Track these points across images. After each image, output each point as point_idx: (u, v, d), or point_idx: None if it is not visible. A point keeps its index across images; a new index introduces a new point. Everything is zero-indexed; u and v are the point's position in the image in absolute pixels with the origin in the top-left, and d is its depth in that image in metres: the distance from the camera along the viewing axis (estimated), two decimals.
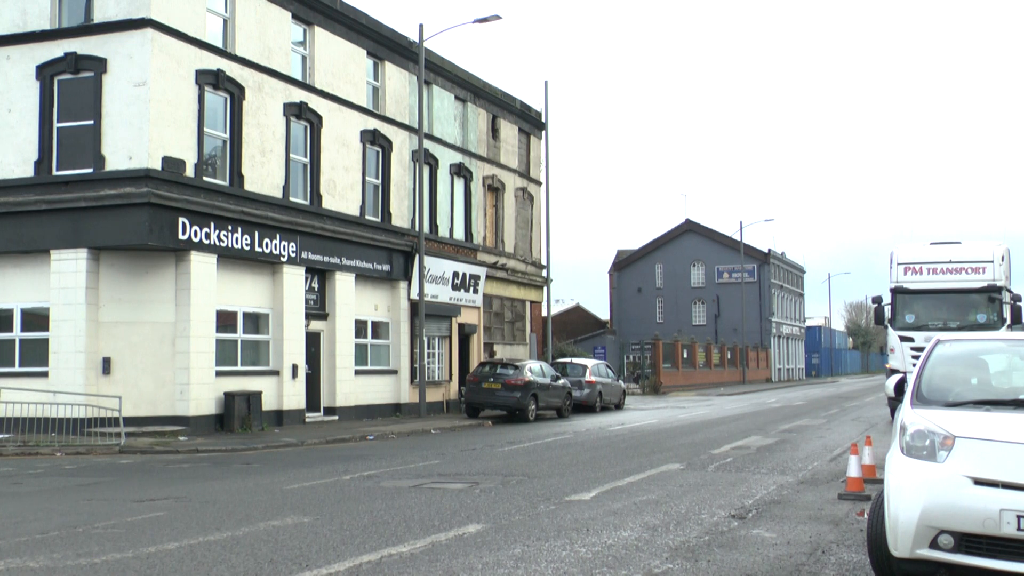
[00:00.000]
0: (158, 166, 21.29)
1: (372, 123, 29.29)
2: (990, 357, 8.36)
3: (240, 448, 19.36)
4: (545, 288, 39.99)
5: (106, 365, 21.64)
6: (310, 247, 26.08)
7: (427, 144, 31.31)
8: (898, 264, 26.17)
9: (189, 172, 22.18)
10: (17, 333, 22.40)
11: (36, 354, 21.92)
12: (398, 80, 30.77)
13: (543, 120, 40.72)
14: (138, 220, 21.03)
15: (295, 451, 19.36)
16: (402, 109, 30.92)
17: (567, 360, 37.77)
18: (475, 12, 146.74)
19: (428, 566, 7.94)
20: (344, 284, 27.71)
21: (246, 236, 23.77)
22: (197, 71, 22.52)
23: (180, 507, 11.35)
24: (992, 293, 25.37)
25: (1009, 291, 26.30)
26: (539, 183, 41.39)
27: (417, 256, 29.70)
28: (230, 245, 23.26)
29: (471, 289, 34.17)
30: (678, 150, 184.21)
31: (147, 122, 21.12)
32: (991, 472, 6.31)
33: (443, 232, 33.26)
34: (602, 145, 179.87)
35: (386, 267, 29.67)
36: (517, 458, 17.19)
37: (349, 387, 27.60)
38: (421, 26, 29.25)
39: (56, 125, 22.02)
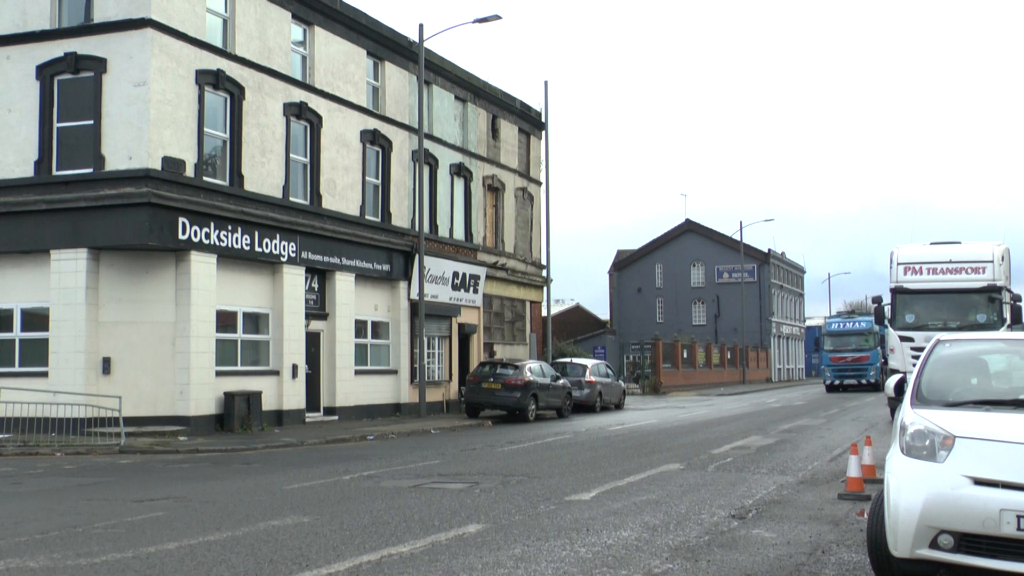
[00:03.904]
0: (158, 166, 21.30)
1: (372, 123, 29.29)
2: (990, 357, 8.36)
3: (240, 448, 19.37)
4: (545, 288, 39.99)
5: (106, 365, 21.64)
6: (310, 247, 26.09)
7: (427, 144, 31.31)
8: (898, 264, 26.14)
9: (189, 172, 22.18)
10: (17, 333, 22.41)
11: (36, 354, 21.92)
12: (398, 80, 30.77)
13: (543, 120, 40.73)
14: (138, 220, 21.04)
15: (295, 451, 19.37)
16: (402, 109, 30.93)
17: (567, 360, 37.77)
18: (475, 12, 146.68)
19: (428, 566, 7.95)
20: (344, 284, 27.72)
21: (246, 236, 23.78)
22: (197, 71, 22.52)
23: (180, 507, 11.35)
24: (992, 293, 25.35)
25: (1009, 291, 26.27)
26: (539, 183, 41.40)
27: (417, 256, 29.70)
28: (230, 245, 23.26)
29: (471, 289, 34.17)
30: (678, 150, 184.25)
31: (147, 122, 21.13)
32: (991, 472, 6.32)
33: (443, 232, 33.27)
34: (602, 145, 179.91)
35: (386, 267, 29.67)
36: (517, 458, 17.19)
37: (349, 387, 27.60)
38: (421, 26, 29.28)
39: (56, 125, 22.03)
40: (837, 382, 51.93)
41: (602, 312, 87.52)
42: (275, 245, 24.77)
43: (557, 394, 30.80)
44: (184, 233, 21.86)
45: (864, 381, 51.37)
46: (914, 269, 25.94)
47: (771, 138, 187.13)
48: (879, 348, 50.14)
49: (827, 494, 12.23)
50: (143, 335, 21.98)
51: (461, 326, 34.15)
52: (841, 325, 54.14)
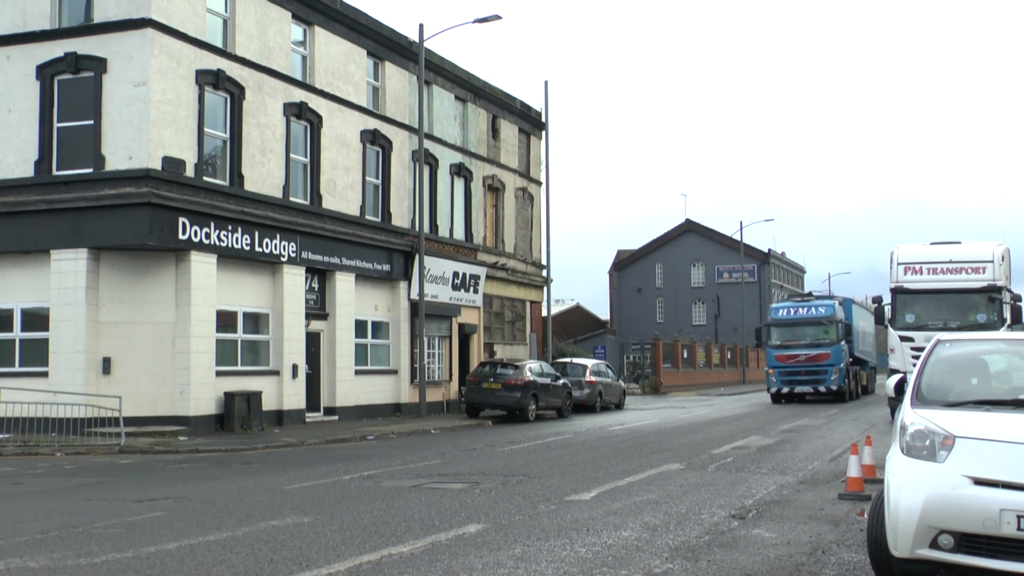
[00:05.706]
0: (158, 166, 21.30)
1: (372, 123, 29.29)
2: (990, 357, 8.35)
3: (240, 448, 19.36)
4: (545, 288, 39.99)
5: (106, 365, 21.63)
6: (310, 247, 26.09)
7: (427, 144, 31.30)
8: (898, 264, 26.16)
9: (189, 172, 22.18)
10: (17, 333, 22.40)
11: (36, 354, 21.91)
12: (398, 80, 30.77)
13: (543, 120, 40.73)
14: (138, 220, 21.03)
15: (295, 451, 19.36)
16: (402, 109, 30.92)
17: (567, 360, 37.75)
18: (475, 12, 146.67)
19: (428, 566, 7.94)
20: (344, 284, 27.71)
21: (246, 236, 23.77)
22: (197, 71, 22.52)
23: (180, 507, 11.35)
24: (992, 293, 25.37)
25: (1009, 291, 26.31)
26: (539, 183, 41.40)
27: (417, 256, 29.69)
28: (230, 245, 23.26)
29: (471, 289, 34.16)
30: (678, 150, 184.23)
31: (147, 122, 21.13)
32: (991, 472, 6.31)
33: (443, 232, 33.26)
34: (602, 145, 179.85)
35: (386, 267, 29.67)
36: (517, 458, 17.19)
37: (349, 387, 27.60)
38: (421, 26, 29.27)
39: (56, 125, 22.03)
40: (785, 390, 38.46)
41: (602, 312, 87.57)
42: (275, 245, 24.76)
43: (557, 394, 30.79)
44: (184, 233, 21.86)
45: (823, 388, 37.74)
46: (914, 269, 25.95)
47: (771, 138, 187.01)
48: (844, 344, 38.28)
49: (827, 494, 12.23)
50: (143, 335, 21.97)
51: (461, 326, 34.14)
52: (791, 312, 39.43)
